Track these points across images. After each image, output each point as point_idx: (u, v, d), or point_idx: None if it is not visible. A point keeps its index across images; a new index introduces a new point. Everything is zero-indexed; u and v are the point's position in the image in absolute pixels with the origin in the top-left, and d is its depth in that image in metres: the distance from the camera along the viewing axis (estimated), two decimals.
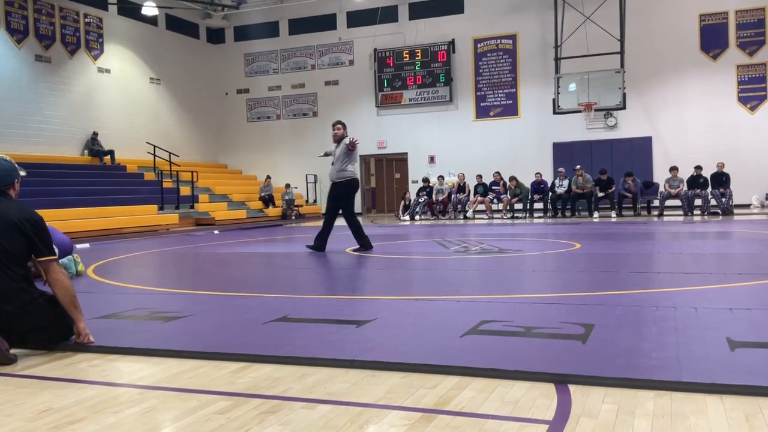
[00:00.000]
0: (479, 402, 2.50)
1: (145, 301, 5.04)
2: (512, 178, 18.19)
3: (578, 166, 17.46)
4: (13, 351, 3.35)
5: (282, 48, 23.60)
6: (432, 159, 21.76)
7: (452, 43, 21.34)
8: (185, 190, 18.52)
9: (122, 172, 18.91)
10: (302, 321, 4.06)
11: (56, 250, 3.78)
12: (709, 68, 18.94)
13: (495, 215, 18.16)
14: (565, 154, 19.92)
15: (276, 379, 2.90)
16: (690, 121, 19.09)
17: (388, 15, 21.90)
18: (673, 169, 16.92)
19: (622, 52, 17.94)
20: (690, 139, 19.02)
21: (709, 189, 16.45)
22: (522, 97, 20.68)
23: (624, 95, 17.59)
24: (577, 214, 17.35)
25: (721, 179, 16.44)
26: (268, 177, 21.93)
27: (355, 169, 8.79)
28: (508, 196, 18.09)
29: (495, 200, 18.37)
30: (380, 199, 24.22)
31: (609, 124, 19.78)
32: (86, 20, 19.19)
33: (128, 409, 2.56)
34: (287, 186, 21.32)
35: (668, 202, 16.76)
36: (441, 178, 19.24)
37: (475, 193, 18.75)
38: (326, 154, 9.36)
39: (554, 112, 18.53)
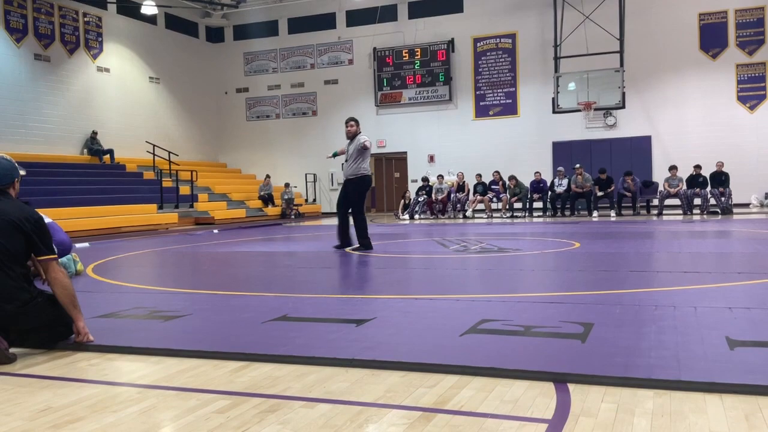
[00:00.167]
0: (478, 401, 2.50)
1: (145, 300, 5.04)
2: (511, 178, 18.20)
3: (578, 165, 17.47)
4: (12, 350, 3.36)
5: (281, 47, 23.59)
6: (431, 158, 21.76)
7: (452, 42, 21.34)
8: (184, 190, 18.51)
9: (121, 171, 18.90)
10: (302, 320, 4.06)
11: (56, 249, 3.78)
12: (709, 67, 18.94)
13: (494, 214, 18.16)
14: (564, 153, 19.93)
15: (275, 378, 2.90)
16: (689, 120, 19.10)
17: (388, 14, 21.89)
18: (673, 169, 16.92)
19: (621, 52, 17.94)
20: (689, 139, 19.02)
21: (709, 188, 16.46)
22: (521, 97, 20.68)
23: (623, 94, 17.60)
24: (576, 213, 17.35)
25: (720, 178, 16.45)
26: (268, 176, 21.94)
27: (368, 167, 8.78)
28: (508, 195, 18.10)
29: (494, 199, 18.37)
30: (380, 198, 24.22)
31: (608, 124, 19.78)
32: (85, 19, 19.18)
33: (128, 408, 2.56)
34: (286, 185, 21.33)
35: (667, 202, 16.77)
36: (440, 177, 19.25)
37: (475, 192, 18.75)
38: (335, 155, 9.29)
39: (554, 112, 18.53)
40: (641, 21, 19.10)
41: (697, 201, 16.60)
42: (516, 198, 18.02)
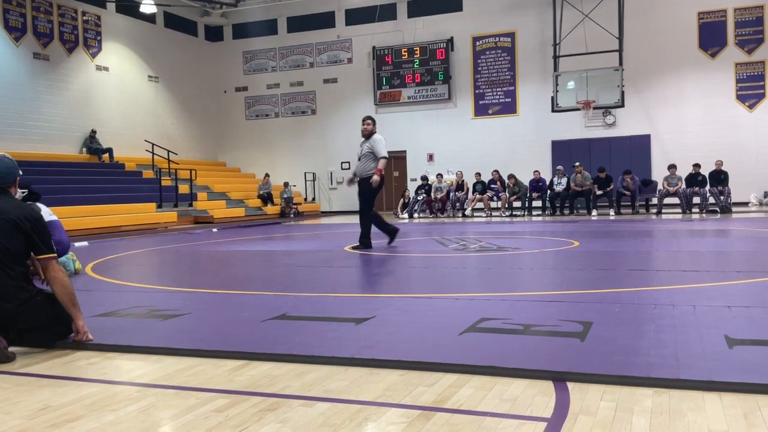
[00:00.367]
0: (478, 399, 2.50)
1: (144, 299, 5.04)
2: (511, 176, 18.20)
3: (577, 163, 17.48)
4: (11, 349, 3.35)
5: (280, 46, 23.58)
6: (431, 157, 21.76)
7: (451, 41, 21.33)
8: (184, 188, 18.51)
9: (121, 170, 18.89)
10: (301, 319, 4.06)
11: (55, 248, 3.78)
12: (708, 66, 18.95)
13: (493, 213, 18.17)
14: (563, 152, 19.93)
15: (275, 376, 2.90)
16: (688, 119, 19.10)
17: (387, 13, 21.89)
18: (672, 167, 16.93)
19: (620, 50, 17.94)
20: (688, 137, 19.03)
21: (708, 187, 16.46)
22: (520, 95, 20.68)
23: (622, 93, 17.60)
24: (575, 212, 17.36)
25: (719, 177, 16.45)
26: (267, 175, 21.94)
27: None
28: (507, 194, 18.10)
29: (494, 198, 18.38)
30: (379, 197, 24.14)
31: (607, 122, 19.78)
32: (84, 18, 19.17)
33: (127, 407, 2.56)
34: (286, 184, 21.33)
35: (667, 200, 16.77)
36: (440, 176, 19.25)
37: (474, 191, 18.76)
38: (355, 176, 9.10)
39: (553, 110, 18.53)
40: (640, 20, 19.10)
41: (696, 200, 16.61)
42: (515, 197, 18.02)
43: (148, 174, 19.02)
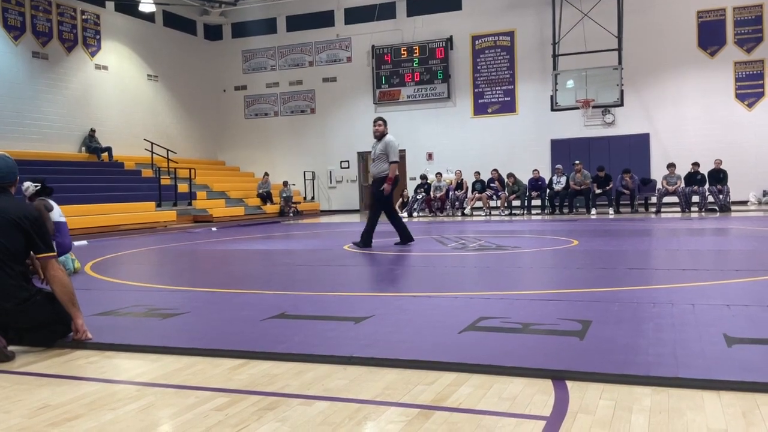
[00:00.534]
0: (477, 398, 2.50)
1: (143, 298, 5.04)
2: (510, 175, 18.20)
3: (577, 161, 17.48)
4: (10, 348, 3.35)
5: (280, 45, 23.57)
6: (430, 156, 21.76)
7: (450, 39, 21.33)
8: (183, 187, 18.50)
9: (120, 169, 18.88)
10: (300, 318, 4.06)
11: (55, 247, 3.78)
12: (707, 65, 18.95)
13: (493, 212, 18.17)
14: (562, 150, 19.93)
15: (274, 375, 2.90)
16: (688, 117, 19.11)
17: (386, 12, 21.88)
18: (671, 166, 16.93)
19: (619, 49, 17.94)
20: (687, 136, 19.04)
21: (707, 186, 16.47)
22: (520, 94, 20.68)
23: (622, 92, 17.60)
24: (574, 210, 17.37)
25: (718, 176, 16.46)
26: (266, 174, 21.93)
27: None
28: (506, 192, 18.10)
29: (493, 197, 18.38)
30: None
31: (607, 121, 19.79)
32: (83, 17, 19.15)
33: (126, 405, 2.56)
34: (285, 183, 21.32)
35: (666, 199, 16.78)
36: (439, 174, 19.25)
37: (473, 189, 18.76)
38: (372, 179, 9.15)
39: (552, 109, 18.53)
40: (639, 19, 19.10)
41: (696, 198, 16.61)
42: (514, 195, 18.03)
43: (147, 173, 19.02)
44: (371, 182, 8.84)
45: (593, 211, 16.88)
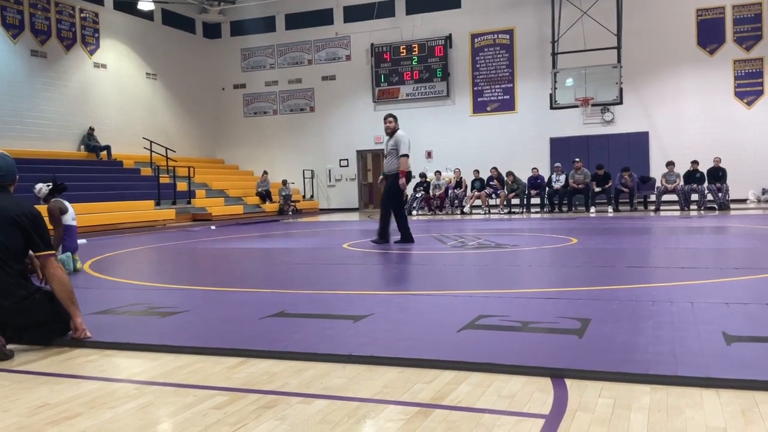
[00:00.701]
0: (476, 396, 2.50)
1: (142, 297, 5.04)
2: (509, 173, 18.19)
3: (577, 159, 17.48)
4: (9, 346, 3.35)
5: (278, 43, 23.54)
6: (429, 154, 21.75)
7: (449, 38, 21.31)
8: (182, 186, 18.49)
9: (119, 168, 18.87)
10: (299, 316, 4.06)
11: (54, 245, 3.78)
12: (706, 63, 18.95)
13: (492, 210, 18.18)
14: (562, 149, 19.93)
15: (273, 374, 2.90)
16: (687, 116, 19.10)
17: (385, 10, 21.85)
18: (670, 164, 16.93)
19: (618, 47, 17.93)
20: (687, 134, 19.03)
21: (706, 184, 16.48)
22: (519, 93, 20.67)
23: (621, 90, 17.59)
24: (573, 209, 17.36)
25: (717, 174, 16.47)
26: (265, 172, 21.92)
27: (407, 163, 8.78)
28: (505, 191, 18.10)
29: (492, 195, 18.38)
30: (377, 194, 24.16)
31: (606, 119, 19.78)
32: (82, 15, 19.13)
33: (125, 404, 2.56)
34: (284, 182, 21.31)
35: (665, 197, 16.78)
36: (438, 173, 19.25)
37: (472, 188, 18.76)
38: (383, 175, 9.13)
39: (551, 107, 18.52)
40: (638, 17, 19.08)
41: (695, 197, 16.62)
42: (513, 194, 18.03)
43: (146, 171, 19.00)
44: (383, 179, 8.85)
45: (592, 209, 16.88)
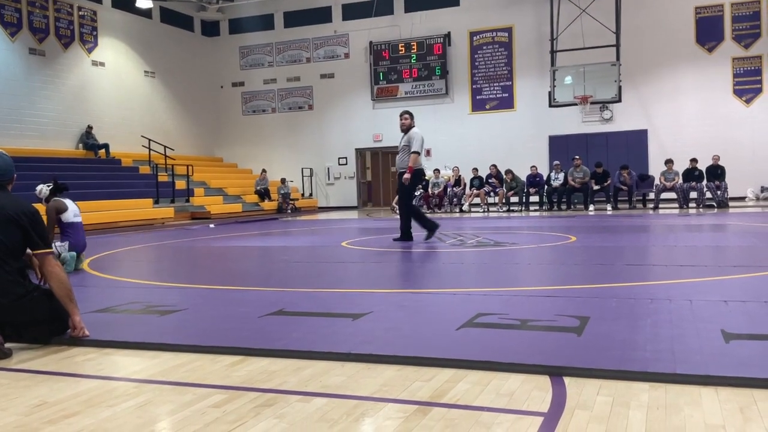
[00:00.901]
0: (474, 395, 2.50)
1: (141, 295, 5.03)
2: (508, 171, 18.19)
3: (576, 156, 17.48)
4: (7, 345, 3.35)
5: (277, 41, 23.52)
6: (428, 152, 21.71)
7: (448, 35, 21.30)
8: (180, 184, 18.48)
9: (117, 166, 18.86)
10: (298, 314, 4.06)
11: (53, 245, 3.78)
12: (705, 61, 18.95)
13: (491, 208, 18.17)
14: (560, 147, 19.93)
15: (272, 372, 2.90)
16: (685, 113, 19.11)
17: (384, 7, 21.83)
18: (669, 162, 16.94)
19: (617, 45, 17.93)
20: (685, 132, 19.05)
21: (705, 182, 16.48)
22: (518, 90, 20.67)
23: (620, 88, 17.60)
24: (572, 207, 17.37)
25: (716, 172, 16.47)
26: (264, 171, 21.91)
27: (421, 160, 8.81)
28: (504, 189, 18.10)
29: (491, 193, 18.38)
30: (376, 192, 24.21)
31: (605, 117, 19.78)
32: (80, 13, 19.10)
33: (124, 402, 2.55)
34: (283, 180, 21.30)
35: (664, 195, 16.79)
36: (437, 171, 19.24)
37: (471, 186, 18.76)
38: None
39: (550, 105, 18.53)
40: (637, 14, 19.08)
41: (693, 194, 16.62)
42: (512, 192, 18.02)
43: (145, 170, 18.99)
44: (397, 174, 8.96)
45: (591, 207, 16.88)
